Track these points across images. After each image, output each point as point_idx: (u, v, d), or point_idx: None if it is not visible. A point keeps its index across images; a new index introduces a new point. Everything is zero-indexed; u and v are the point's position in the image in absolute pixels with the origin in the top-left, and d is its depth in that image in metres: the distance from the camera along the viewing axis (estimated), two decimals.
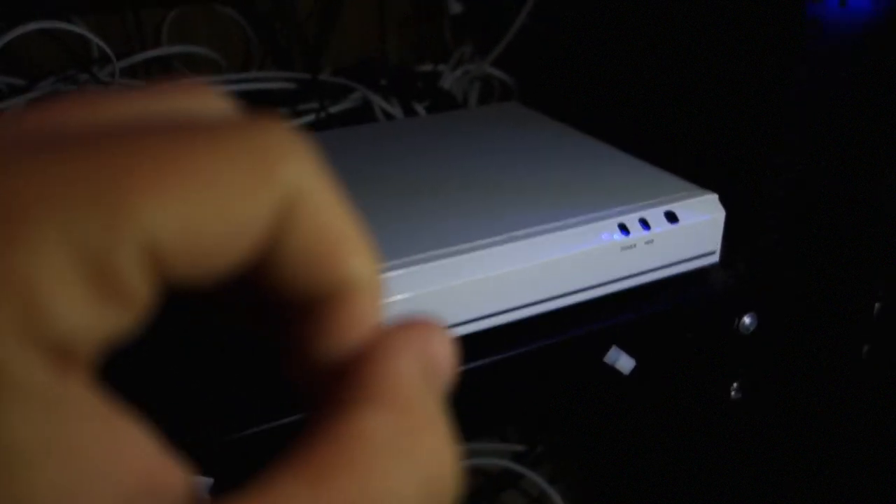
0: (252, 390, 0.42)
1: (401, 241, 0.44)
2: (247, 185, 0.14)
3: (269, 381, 0.42)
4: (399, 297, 0.41)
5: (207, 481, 0.40)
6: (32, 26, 0.59)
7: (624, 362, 0.49)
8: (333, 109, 0.70)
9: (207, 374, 0.43)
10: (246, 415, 0.40)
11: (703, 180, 0.51)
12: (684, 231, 0.48)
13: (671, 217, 0.48)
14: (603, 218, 0.47)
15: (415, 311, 0.42)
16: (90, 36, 0.63)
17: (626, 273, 0.48)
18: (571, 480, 0.81)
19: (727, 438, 0.61)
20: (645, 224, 0.47)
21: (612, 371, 0.49)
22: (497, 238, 0.44)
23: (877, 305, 0.59)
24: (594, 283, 0.47)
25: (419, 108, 0.71)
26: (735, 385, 0.57)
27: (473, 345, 0.44)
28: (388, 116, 0.70)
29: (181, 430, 0.40)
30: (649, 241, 0.48)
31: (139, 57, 0.69)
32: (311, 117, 0.69)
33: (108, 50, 0.61)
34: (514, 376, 0.47)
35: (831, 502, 0.64)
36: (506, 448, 0.83)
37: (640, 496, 0.74)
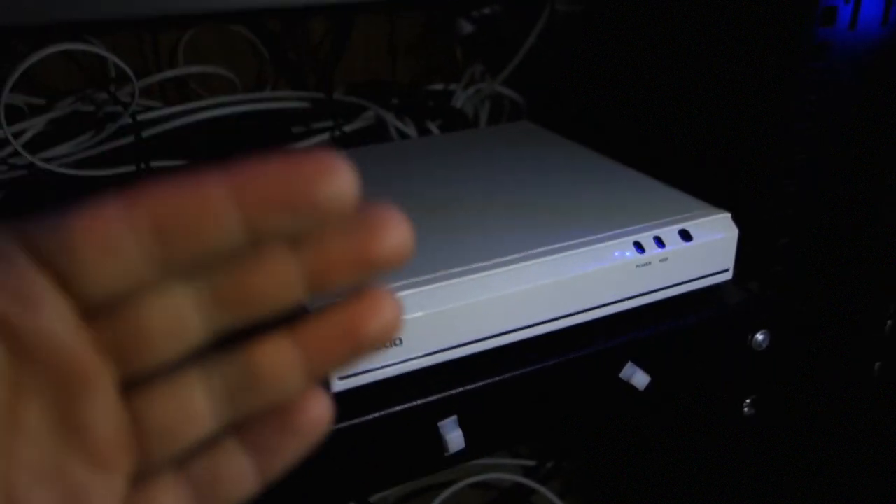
0: None
1: (417, 259, 0.44)
2: None
3: None
4: (414, 315, 0.42)
5: None
6: (53, 49, 0.60)
7: (639, 378, 0.49)
8: (348, 128, 0.71)
9: None
10: None
11: (716, 199, 0.52)
12: (698, 249, 0.49)
13: (685, 235, 0.49)
14: (619, 236, 0.47)
15: (431, 331, 0.43)
16: (109, 56, 0.64)
17: (641, 290, 0.49)
18: (582, 495, 0.81)
19: (740, 454, 0.62)
20: (660, 242, 0.48)
21: (628, 387, 0.50)
22: (513, 256, 0.45)
23: (888, 323, 0.60)
24: (610, 300, 0.48)
25: (433, 126, 0.73)
26: (748, 401, 0.58)
27: (490, 362, 0.45)
28: (402, 135, 0.71)
29: None
30: (664, 259, 0.48)
31: (157, 77, 0.70)
32: (325, 136, 0.70)
33: (128, 70, 0.62)
34: (530, 392, 0.47)
35: None
36: (517, 463, 0.83)
37: None
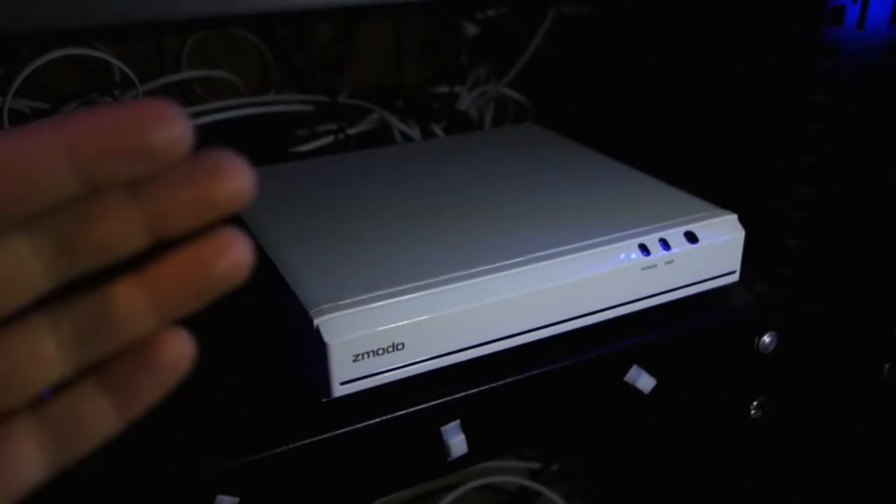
0: (275, 414, 0.42)
1: (421, 263, 0.44)
2: None
3: (291, 406, 0.43)
4: (417, 319, 0.41)
5: (233, 500, 0.40)
6: (57, 53, 0.60)
7: (644, 381, 0.49)
8: (352, 131, 0.71)
9: (231, 399, 0.44)
10: (269, 436, 0.41)
11: (722, 200, 0.51)
12: (704, 251, 0.49)
13: (691, 237, 0.48)
14: (623, 238, 0.47)
15: (434, 334, 0.42)
16: (113, 60, 0.64)
17: (646, 293, 0.48)
18: (588, 498, 0.81)
19: (747, 457, 0.61)
20: (665, 244, 0.48)
21: (633, 390, 0.49)
22: (517, 259, 0.45)
23: None
24: (615, 302, 0.47)
25: (437, 129, 0.72)
26: (755, 404, 0.57)
27: (493, 365, 0.45)
28: (406, 138, 0.71)
29: (209, 451, 0.40)
30: (669, 262, 0.48)
31: (161, 81, 0.70)
32: (329, 139, 0.70)
33: (131, 74, 0.62)
34: (534, 396, 0.47)
35: None
36: (522, 466, 0.83)
37: None
